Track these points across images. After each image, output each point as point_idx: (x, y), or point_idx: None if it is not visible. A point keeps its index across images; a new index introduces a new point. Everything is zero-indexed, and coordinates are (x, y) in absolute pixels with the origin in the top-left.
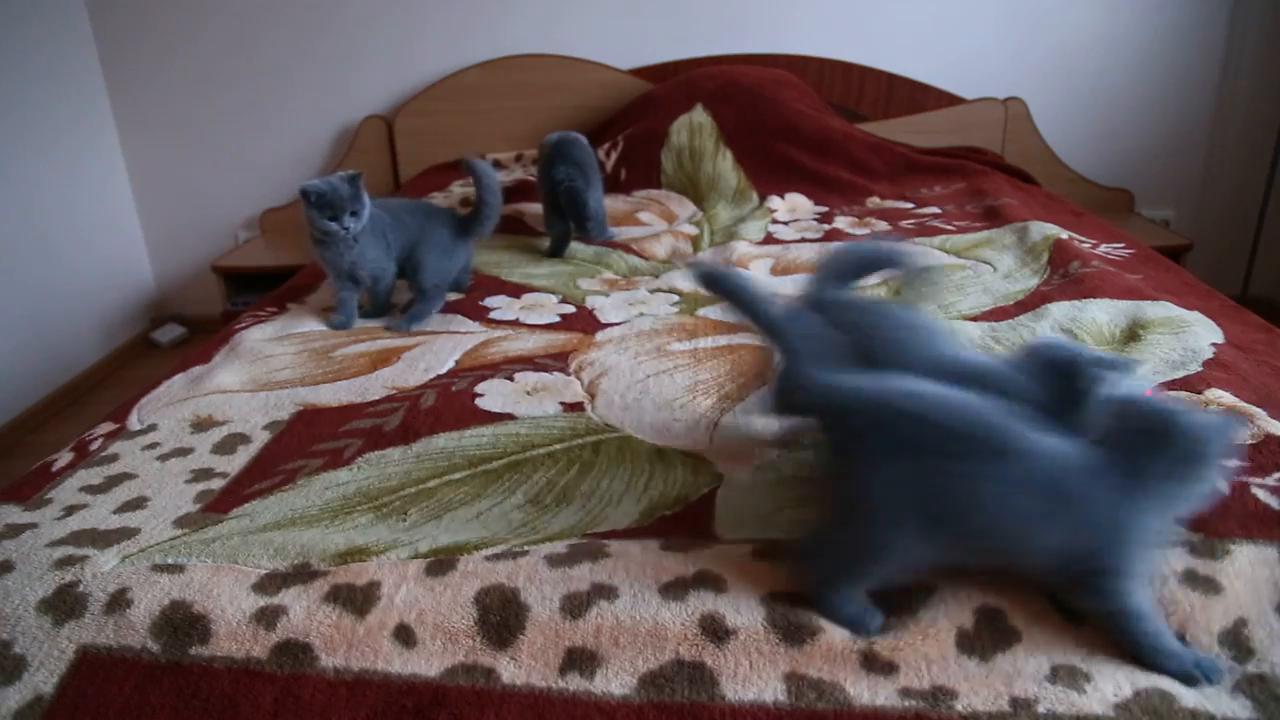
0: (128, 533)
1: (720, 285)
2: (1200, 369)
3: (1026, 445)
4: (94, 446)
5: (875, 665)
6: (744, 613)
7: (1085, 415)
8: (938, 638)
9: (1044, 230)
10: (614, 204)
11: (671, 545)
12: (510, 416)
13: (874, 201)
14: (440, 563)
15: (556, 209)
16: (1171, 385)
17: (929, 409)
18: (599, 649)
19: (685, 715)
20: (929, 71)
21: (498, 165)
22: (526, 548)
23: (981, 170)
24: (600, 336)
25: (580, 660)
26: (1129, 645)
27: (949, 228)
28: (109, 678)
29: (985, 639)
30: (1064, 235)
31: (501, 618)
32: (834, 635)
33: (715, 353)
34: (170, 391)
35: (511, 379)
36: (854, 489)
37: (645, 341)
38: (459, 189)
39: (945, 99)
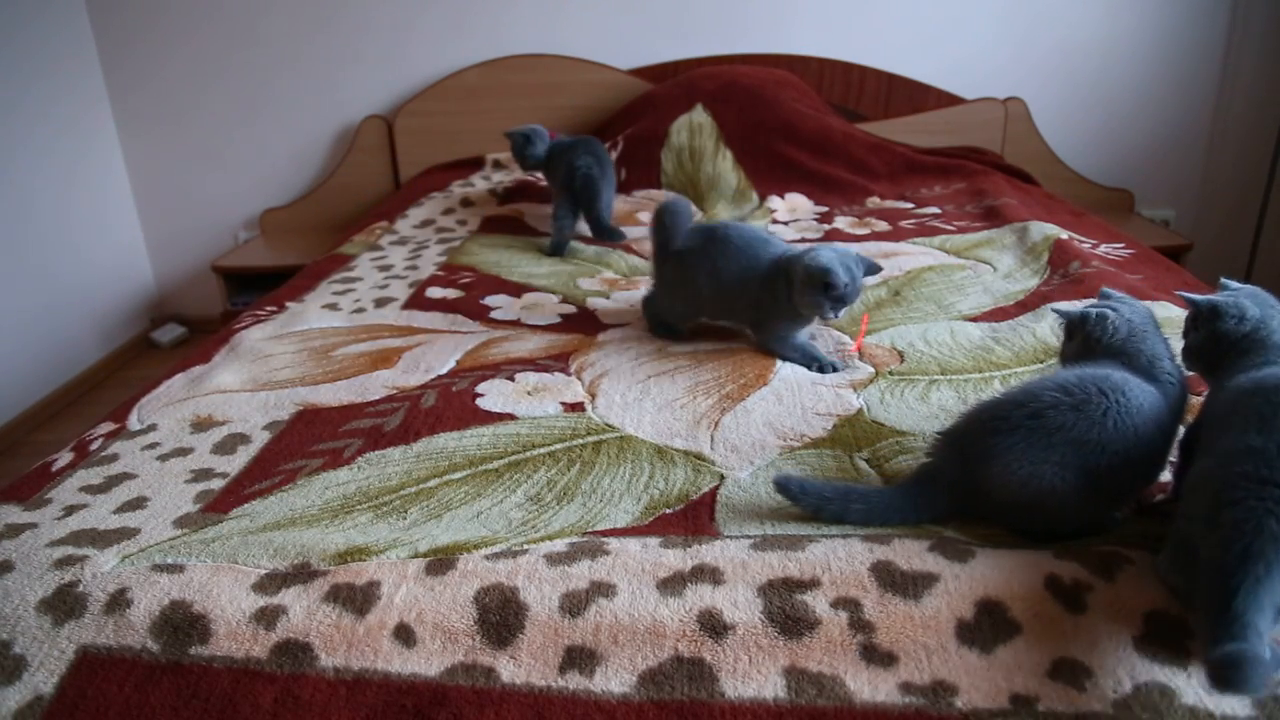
0: (128, 533)
1: None
2: None
3: None
4: (94, 446)
5: (875, 657)
6: (741, 606)
7: None
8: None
9: (1044, 230)
10: (614, 203)
11: (671, 542)
12: (511, 416)
13: (874, 201)
14: (440, 562)
15: (569, 201)
16: None
17: None
18: (598, 647)
19: (685, 713)
20: (929, 71)
21: (497, 165)
22: (526, 546)
23: (981, 170)
24: (601, 337)
25: (580, 659)
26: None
27: (949, 228)
28: (109, 678)
29: (986, 630)
30: (1064, 235)
31: (501, 617)
32: (832, 627)
33: (716, 354)
34: (170, 391)
35: (512, 379)
36: None
37: (646, 342)
38: (459, 189)
39: (945, 99)
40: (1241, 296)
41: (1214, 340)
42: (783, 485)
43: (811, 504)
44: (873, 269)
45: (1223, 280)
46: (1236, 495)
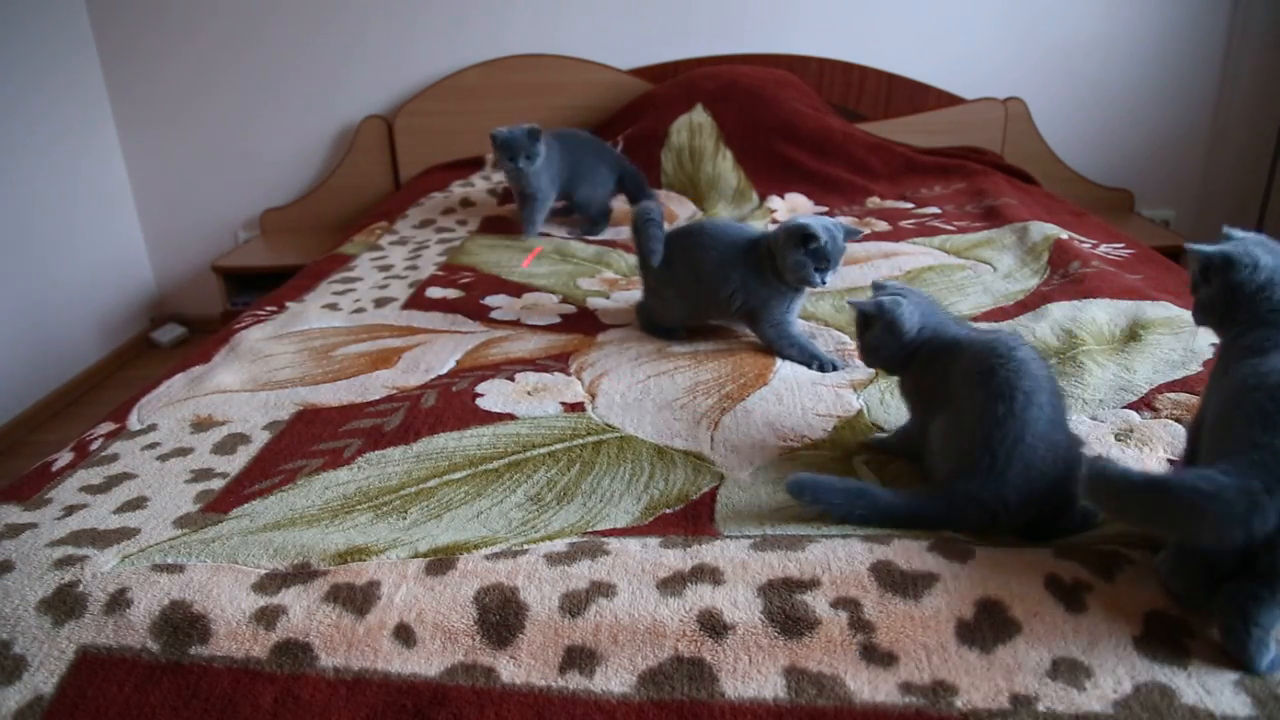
0: (128, 533)
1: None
2: (1200, 369)
3: None
4: (94, 446)
5: (875, 656)
6: (741, 606)
7: None
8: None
9: (1044, 230)
10: (614, 203)
11: (670, 542)
12: (511, 416)
13: (874, 201)
14: (440, 562)
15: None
16: (1171, 386)
17: None
18: (598, 647)
19: (685, 713)
20: (929, 71)
21: (498, 165)
22: (526, 546)
23: (981, 170)
24: (601, 337)
25: (580, 659)
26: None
27: (949, 228)
28: (109, 678)
29: (985, 630)
30: (1064, 235)
31: (501, 617)
32: (831, 627)
33: (716, 354)
34: (170, 391)
35: (512, 379)
36: None
37: (646, 342)
38: (459, 189)
39: (945, 99)
40: (1251, 244)
41: (1228, 292)
42: (796, 491)
43: (821, 509)
44: (853, 233)
45: (1225, 229)
46: None
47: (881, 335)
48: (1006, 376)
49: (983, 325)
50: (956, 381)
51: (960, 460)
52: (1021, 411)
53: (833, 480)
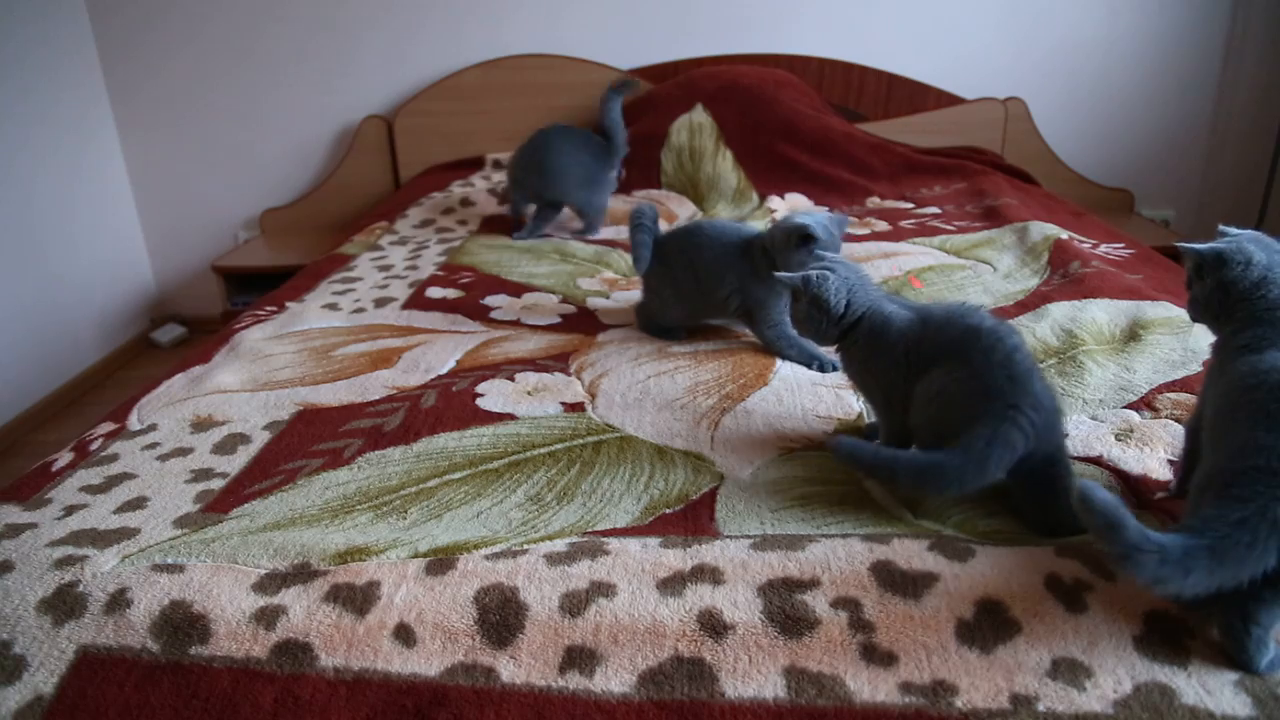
0: (128, 533)
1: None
2: (1200, 369)
3: None
4: (94, 446)
5: (875, 656)
6: (741, 606)
7: None
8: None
9: (1044, 230)
10: (614, 204)
11: (671, 542)
12: (511, 416)
13: (874, 201)
14: (440, 562)
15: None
16: (1171, 386)
17: None
18: (598, 647)
19: (685, 713)
20: (929, 71)
21: (498, 165)
22: (526, 546)
23: (981, 170)
24: (601, 337)
25: (580, 659)
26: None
27: (949, 228)
28: (109, 678)
29: (985, 630)
30: (1064, 235)
31: (501, 617)
32: (832, 626)
33: (716, 354)
34: (170, 391)
35: (512, 379)
36: None
37: (646, 342)
38: (459, 189)
39: (945, 99)
40: (1245, 241)
41: (1222, 289)
42: (834, 447)
43: (853, 463)
44: (843, 221)
45: (1221, 228)
46: (1247, 492)
47: (808, 308)
48: (990, 328)
49: None
50: (935, 353)
51: (982, 396)
52: (1020, 346)
53: (866, 444)
